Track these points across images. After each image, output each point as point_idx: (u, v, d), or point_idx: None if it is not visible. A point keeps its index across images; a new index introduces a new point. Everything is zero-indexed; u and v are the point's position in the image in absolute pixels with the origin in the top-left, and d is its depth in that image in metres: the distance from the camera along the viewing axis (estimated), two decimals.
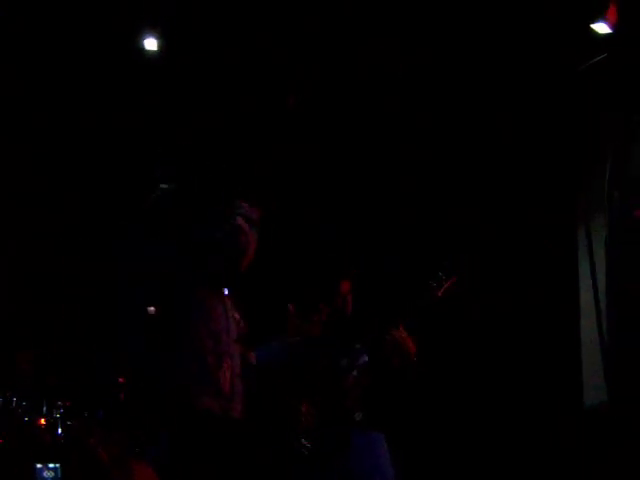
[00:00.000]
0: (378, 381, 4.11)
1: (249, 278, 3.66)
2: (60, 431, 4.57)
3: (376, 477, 4.05)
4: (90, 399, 4.86)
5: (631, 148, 4.91)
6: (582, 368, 5.50)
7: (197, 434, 3.41)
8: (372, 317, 4.28)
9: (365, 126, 5.98)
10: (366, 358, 4.12)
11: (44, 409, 4.63)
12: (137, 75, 5.79)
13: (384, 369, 4.09)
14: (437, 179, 5.99)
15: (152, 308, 3.58)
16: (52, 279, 5.91)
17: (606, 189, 4.99)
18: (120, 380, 4.76)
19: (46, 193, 5.98)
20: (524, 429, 5.59)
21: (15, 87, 5.76)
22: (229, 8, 5.49)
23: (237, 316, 3.69)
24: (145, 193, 3.81)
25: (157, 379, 3.53)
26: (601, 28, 5.06)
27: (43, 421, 4.58)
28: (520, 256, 5.77)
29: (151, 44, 5.66)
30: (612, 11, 4.92)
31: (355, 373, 4.10)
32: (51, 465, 4.41)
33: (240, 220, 3.58)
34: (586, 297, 5.45)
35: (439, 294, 4.12)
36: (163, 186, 3.75)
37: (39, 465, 4.41)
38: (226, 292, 3.66)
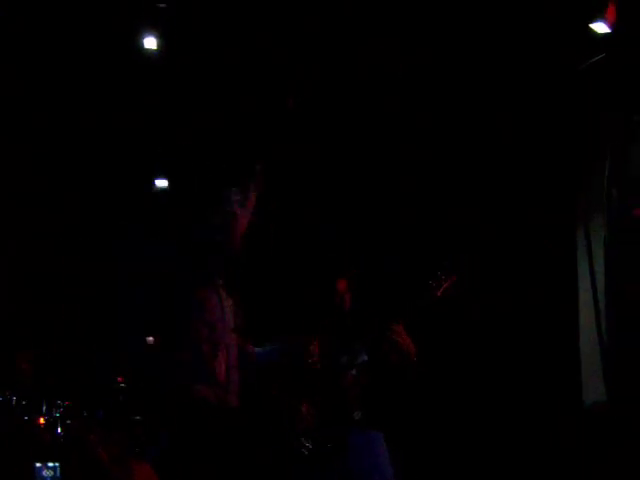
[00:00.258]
0: (377, 380, 4.12)
1: (249, 278, 3.66)
2: (60, 430, 4.57)
3: (375, 476, 4.05)
4: (90, 399, 4.86)
5: (630, 148, 4.92)
6: (581, 368, 5.50)
7: (196, 428, 3.42)
8: (372, 317, 4.29)
9: (365, 126, 5.98)
10: (365, 357, 4.13)
11: (44, 409, 4.63)
12: (137, 75, 5.79)
13: (383, 368, 4.09)
14: (437, 179, 5.99)
15: (151, 339, 3.60)
16: (52, 279, 5.91)
17: (605, 189, 5.00)
18: (120, 380, 4.77)
19: (46, 193, 5.98)
20: (524, 429, 5.59)
21: (15, 87, 5.76)
22: (229, 8, 5.49)
23: (231, 305, 3.70)
24: (145, 193, 3.82)
25: (157, 379, 3.54)
26: (600, 28, 5.06)
27: (42, 420, 4.58)
28: (519, 256, 5.78)
29: (151, 43, 5.66)
30: (611, 11, 4.92)
31: (354, 372, 4.11)
32: (50, 464, 4.42)
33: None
34: (585, 297, 5.45)
35: (438, 294, 4.13)
36: (163, 186, 3.77)
37: (38, 464, 4.42)
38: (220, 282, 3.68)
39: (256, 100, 5.17)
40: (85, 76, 5.81)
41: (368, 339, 4.16)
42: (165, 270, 3.56)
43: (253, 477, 3.79)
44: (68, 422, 4.59)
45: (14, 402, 4.63)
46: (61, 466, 4.40)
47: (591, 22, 5.09)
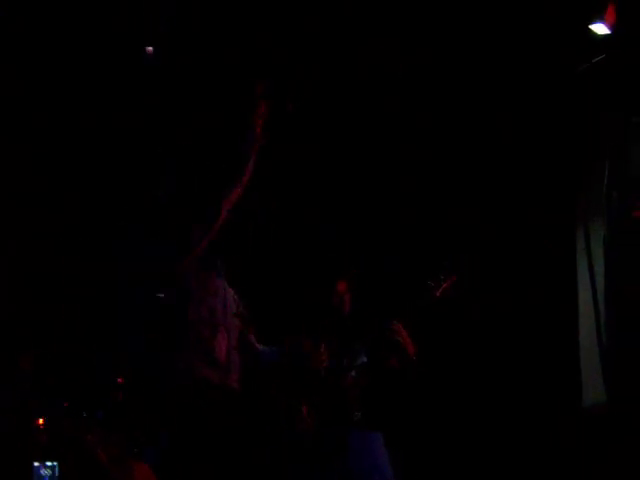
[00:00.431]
0: (377, 381, 4.12)
1: (249, 278, 3.67)
2: (59, 430, 4.57)
3: (375, 477, 4.05)
4: (90, 399, 4.86)
5: (630, 149, 4.92)
6: (580, 368, 5.50)
7: (195, 428, 3.43)
8: (372, 317, 4.29)
9: (365, 126, 5.98)
10: (365, 358, 4.13)
11: (43, 409, 4.63)
12: (137, 75, 5.79)
13: (383, 369, 4.09)
14: (437, 179, 5.99)
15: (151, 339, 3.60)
16: (52, 279, 5.90)
17: (605, 189, 5.00)
18: (120, 380, 4.77)
19: (46, 193, 5.98)
20: (523, 429, 5.59)
21: (15, 87, 5.76)
22: (229, 8, 5.49)
23: (233, 293, 3.71)
24: (145, 193, 3.82)
25: (157, 379, 3.54)
26: (600, 29, 5.06)
27: (41, 420, 4.58)
28: (519, 256, 5.78)
29: (152, 45, 5.66)
30: (611, 12, 4.92)
31: (354, 373, 4.11)
32: (49, 463, 4.41)
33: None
34: (585, 297, 5.45)
35: (438, 294, 4.14)
36: (163, 186, 3.77)
37: (36, 463, 4.42)
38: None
39: (256, 100, 5.16)
40: (85, 76, 5.81)
41: (368, 339, 4.16)
42: (165, 270, 3.56)
43: (253, 477, 3.79)
44: (67, 422, 4.59)
45: (14, 402, 4.63)
46: (59, 466, 4.40)
47: (591, 23, 5.09)
